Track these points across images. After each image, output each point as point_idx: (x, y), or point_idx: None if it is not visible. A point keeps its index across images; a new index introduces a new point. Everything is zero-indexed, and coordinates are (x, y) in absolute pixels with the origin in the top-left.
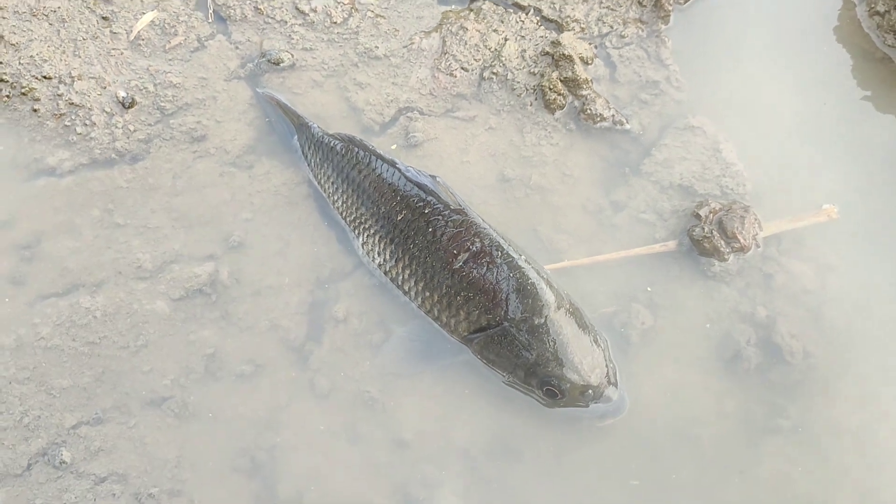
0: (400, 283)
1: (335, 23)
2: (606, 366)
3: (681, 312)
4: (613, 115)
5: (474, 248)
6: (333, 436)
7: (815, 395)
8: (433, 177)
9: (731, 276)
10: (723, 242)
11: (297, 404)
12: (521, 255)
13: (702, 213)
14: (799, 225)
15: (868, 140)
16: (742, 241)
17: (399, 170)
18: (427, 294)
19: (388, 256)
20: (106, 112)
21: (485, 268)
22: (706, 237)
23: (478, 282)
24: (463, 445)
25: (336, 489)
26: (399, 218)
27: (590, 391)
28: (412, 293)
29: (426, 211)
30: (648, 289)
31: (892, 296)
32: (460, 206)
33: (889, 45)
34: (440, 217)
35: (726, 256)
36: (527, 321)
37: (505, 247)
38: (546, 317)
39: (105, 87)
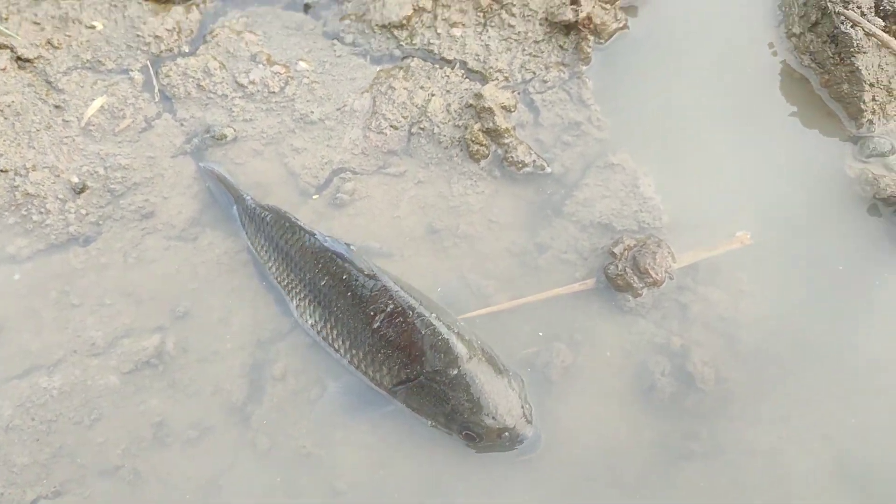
0: (330, 342)
1: (273, 92)
2: (522, 407)
3: (600, 348)
4: (535, 160)
5: (388, 310)
6: (273, 491)
7: (728, 419)
8: (347, 244)
9: (646, 310)
10: (636, 278)
11: (240, 463)
12: (432, 313)
13: (616, 250)
14: (714, 254)
15: (786, 161)
16: (654, 275)
17: (318, 239)
18: (353, 352)
19: (317, 318)
20: (59, 199)
21: (399, 327)
22: (619, 274)
23: (395, 340)
24: (396, 490)
25: None
26: (322, 283)
27: (506, 433)
28: (341, 351)
29: (344, 277)
30: (540, 334)
31: (804, 318)
32: (373, 272)
33: (805, 66)
34: (356, 282)
35: (640, 291)
36: (441, 373)
37: (416, 306)
38: (459, 368)
39: (58, 175)
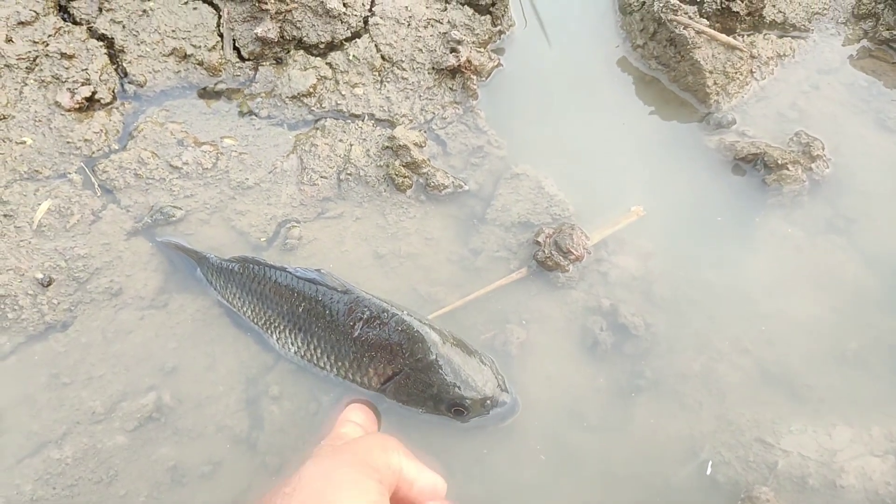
0: (315, 361)
1: (206, 168)
2: (496, 377)
3: (546, 321)
4: (453, 182)
5: (365, 316)
6: None
7: (662, 355)
8: (318, 270)
9: (575, 282)
10: (561, 257)
11: (257, 484)
12: (403, 311)
13: (540, 239)
14: (617, 228)
15: (658, 147)
16: (575, 252)
17: (289, 272)
18: (339, 364)
19: (300, 343)
20: (29, 294)
21: (378, 329)
22: (548, 257)
23: (376, 342)
24: None
25: None
26: (300, 310)
27: (488, 401)
28: (328, 367)
29: (320, 298)
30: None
31: (702, 264)
32: (346, 287)
33: (654, 69)
34: (331, 300)
35: (567, 268)
36: (422, 361)
37: (389, 308)
38: (436, 353)
39: (23, 275)
